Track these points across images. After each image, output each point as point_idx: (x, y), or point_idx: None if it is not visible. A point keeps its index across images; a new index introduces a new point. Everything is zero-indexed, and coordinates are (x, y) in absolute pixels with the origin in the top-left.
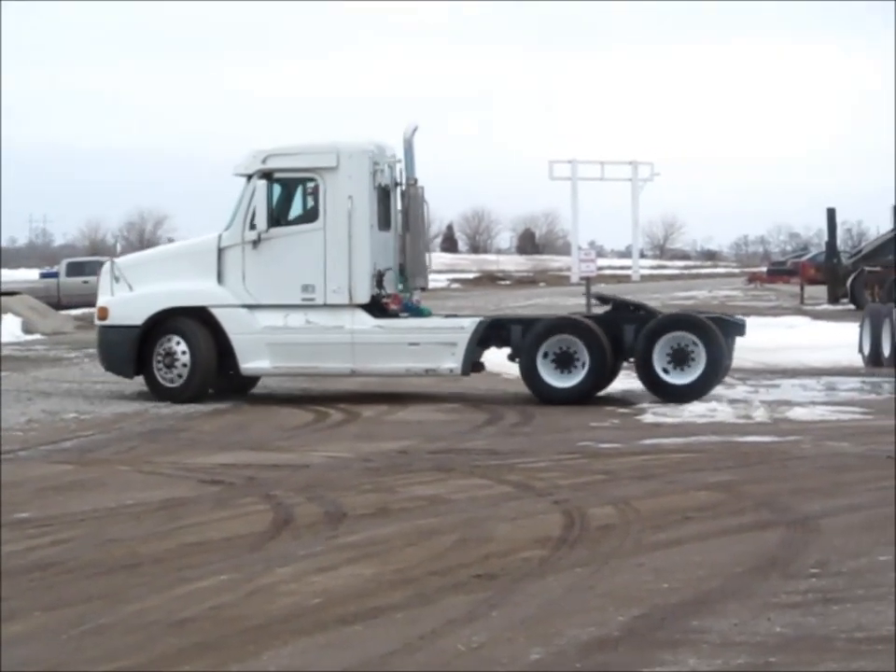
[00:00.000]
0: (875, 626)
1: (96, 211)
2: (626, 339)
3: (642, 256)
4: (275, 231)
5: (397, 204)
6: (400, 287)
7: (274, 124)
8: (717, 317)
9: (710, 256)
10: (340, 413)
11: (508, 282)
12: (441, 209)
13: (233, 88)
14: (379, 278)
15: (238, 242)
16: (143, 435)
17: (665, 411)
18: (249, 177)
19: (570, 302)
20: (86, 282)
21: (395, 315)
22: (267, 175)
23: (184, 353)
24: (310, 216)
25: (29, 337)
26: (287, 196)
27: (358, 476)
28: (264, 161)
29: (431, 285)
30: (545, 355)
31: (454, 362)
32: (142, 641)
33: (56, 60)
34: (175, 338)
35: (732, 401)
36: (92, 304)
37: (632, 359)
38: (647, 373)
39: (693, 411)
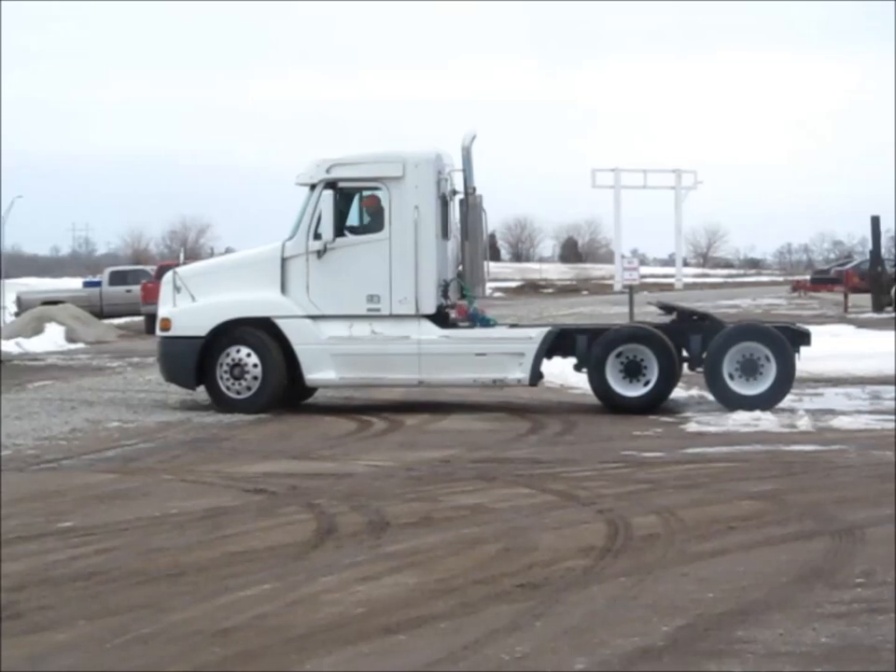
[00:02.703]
0: None
1: (139, 220)
2: (692, 348)
3: (685, 264)
4: (340, 240)
5: (455, 214)
6: (464, 296)
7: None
8: (785, 327)
9: (753, 264)
10: (383, 421)
11: (551, 290)
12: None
13: (276, 96)
14: (444, 288)
15: (302, 252)
16: (186, 444)
17: (709, 420)
18: (313, 187)
19: (613, 311)
20: (129, 291)
21: (458, 325)
22: (331, 185)
23: (255, 365)
24: (375, 225)
25: (72, 346)
26: (352, 206)
27: (402, 485)
28: (328, 171)
29: None
30: (613, 364)
31: (521, 372)
32: (186, 650)
33: (98, 70)
34: (245, 349)
35: (776, 410)
36: (135, 313)
37: (699, 369)
38: (716, 384)
39: (737, 420)
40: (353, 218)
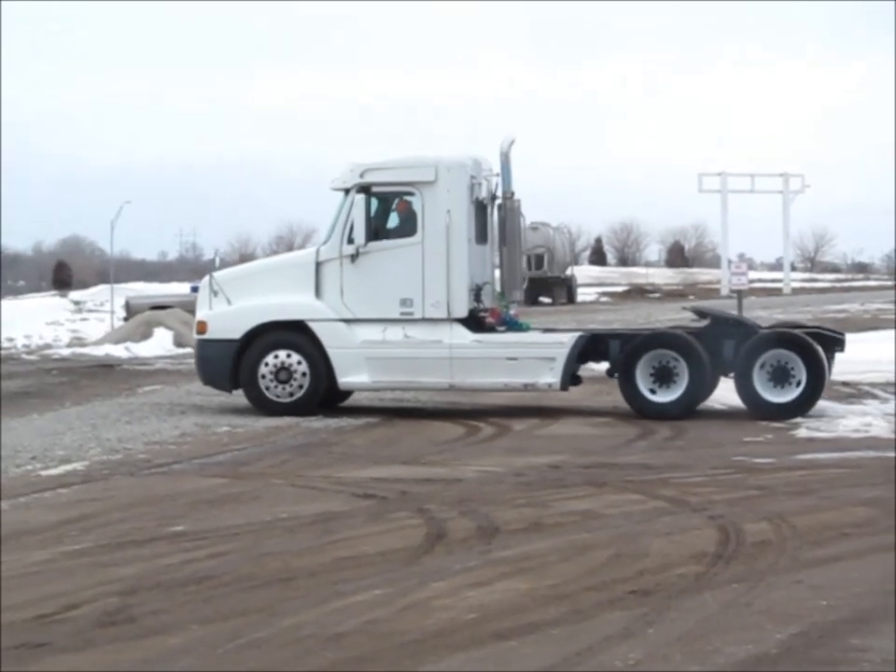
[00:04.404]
0: None
1: (246, 225)
2: (725, 354)
3: (793, 268)
4: (373, 245)
5: (493, 218)
6: (499, 300)
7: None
8: (817, 332)
9: (861, 268)
10: (491, 426)
11: (657, 295)
12: (589, 221)
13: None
14: (477, 292)
15: (336, 256)
16: (295, 448)
17: (819, 425)
18: (347, 191)
19: None
20: None
21: (492, 329)
22: (365, 190)
23: (301, 368)
24: (408, 230)
25: (180, 350)
26: (386, 210)
27: (511, 490)
28: (362, 176)
29: (580, 298)
30: (644, 369)
31: (553, 377)
32: (298, 655)
33: (206, 76)
34: (292, 353)
35: (886, 415)
36: None
37: (731, 375)
38: (747, 390)
39: (848, 425)
40: (386, 223)
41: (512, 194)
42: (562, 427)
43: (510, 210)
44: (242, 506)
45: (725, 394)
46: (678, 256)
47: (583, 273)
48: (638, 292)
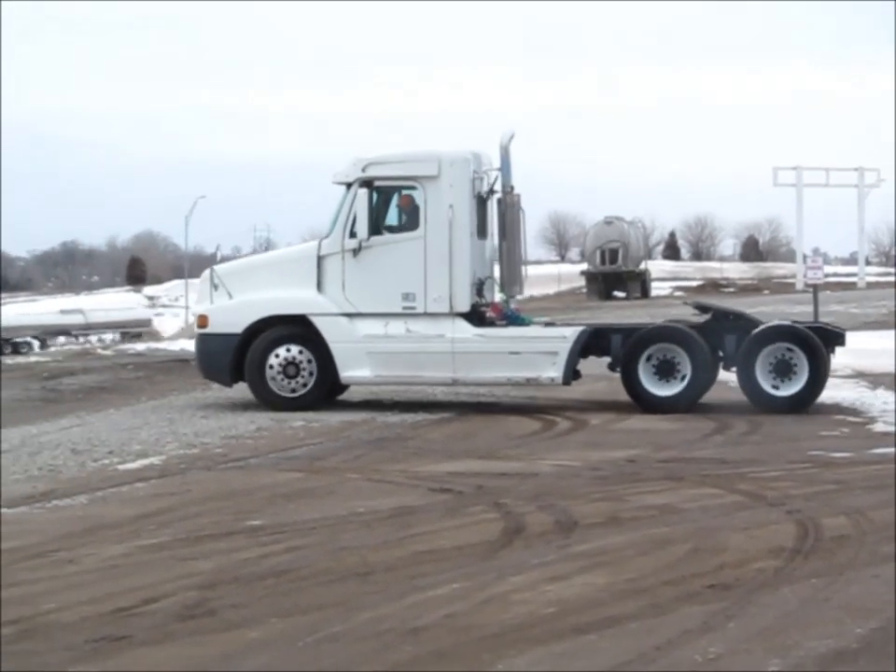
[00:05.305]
0: None
1: (320, 220)
2: (727, 348)
3: (867, 263)
4: (376, 239)
5: (493, 213)
6: (500, 295)
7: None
8: (818, 327)
9: None
10: (567, 421)
11: (732, 289)
12: (663, 216)
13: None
14: (479, 287)
15: (338, 250)
16: (370, 443)
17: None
18: (349, 185)
19: (796, 310)
20: None
21: (494, 323)
22: (367, 184)
23: (310, 362)
24: (410, 224)
25: None
26: (388, 204)
27: (588, 485)
28: (364, 170)
29: (654, 293)
30: (646, 363)
31: (555, 371)
32: (377, 649)
33: (277, 78)
34: (303, 350)
35: None
36: None
37: (733, 369)
38: (749, 384)
39: None
40: (388, 217)
41: (512, 188)
42: (638, 422)
43: (509, 205)
44: (318, 500)
45: None
46: (752, 250)
47: (657, 267)
48: (713, 287)
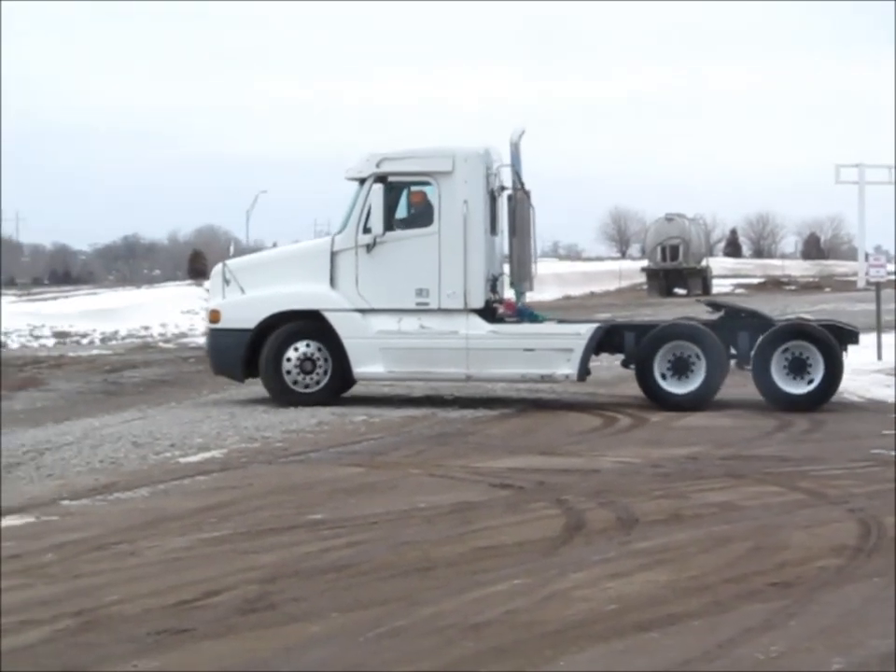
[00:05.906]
0: None
1: None
2: (740, 346)
3: None
4: (390, 234)
5: (503, 209)
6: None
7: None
8: (832, 325)
9: None
10: (627, 417)
11: (793, 287)
12: (724, 213)
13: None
14: (493, 283)
15: (351, 245)
16: (431, 438)
17: None
18: (363, 181)
19: (857, 308)
20: None
21: (506, 320)
22: (381, 179)
23: (326, 359)
24: (424, 220)
25: None
26: (402, 200)
27: (649, 482)
28: (378, 165)
29: (715, 290)
30: (661, 360)
31: (570, 368)
32: (439, 644)
33: (343, 72)
34: (319, 345)
35: None
36: None
37: (747, 367)
38: (764, 383)
39: None
40: (402, 212)
41: (522, 185)
42: (698, 419)
43: (520, 201)
44: (379, 495)
45: (862, 387)
46: (814, 247)
47: (718, 264)
48: (774, 284)
